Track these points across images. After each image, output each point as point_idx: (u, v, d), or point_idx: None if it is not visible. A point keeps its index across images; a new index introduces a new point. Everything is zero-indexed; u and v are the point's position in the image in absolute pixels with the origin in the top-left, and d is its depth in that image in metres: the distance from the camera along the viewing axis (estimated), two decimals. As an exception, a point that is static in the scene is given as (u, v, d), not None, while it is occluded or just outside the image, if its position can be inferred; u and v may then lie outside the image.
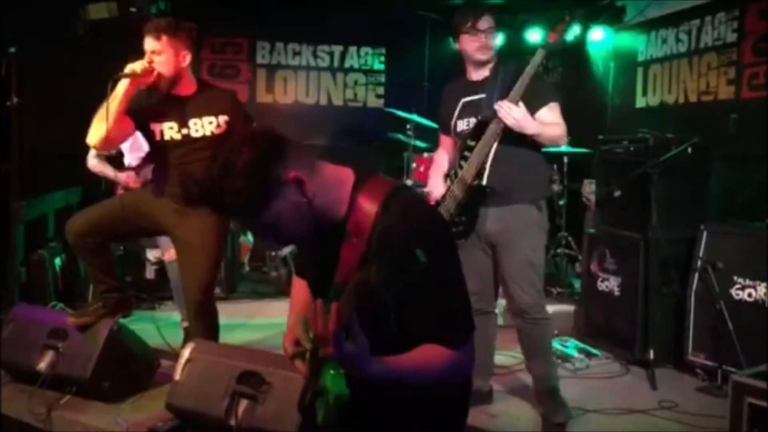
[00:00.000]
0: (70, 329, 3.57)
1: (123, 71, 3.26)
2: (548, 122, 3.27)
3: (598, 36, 7.03)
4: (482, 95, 3.35)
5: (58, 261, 5.20)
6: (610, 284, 4.61)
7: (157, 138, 3.45)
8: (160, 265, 5.45)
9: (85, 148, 4.78)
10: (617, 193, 4.62)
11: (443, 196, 3.41)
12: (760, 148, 4.86)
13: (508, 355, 4.48)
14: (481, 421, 3.48)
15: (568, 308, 5.30)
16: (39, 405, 3.35)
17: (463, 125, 3.43)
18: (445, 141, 3.64)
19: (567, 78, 7.49)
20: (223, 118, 3.44)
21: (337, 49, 8.01)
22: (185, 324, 4.23)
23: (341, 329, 1.45)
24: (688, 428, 3.49)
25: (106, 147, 3.57)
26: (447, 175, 3.49)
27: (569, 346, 4.51)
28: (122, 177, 4.78)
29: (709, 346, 4.09)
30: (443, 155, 3.64)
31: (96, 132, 3.32)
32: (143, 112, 3.40)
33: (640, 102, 6.42)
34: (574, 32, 7.03)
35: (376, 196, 1.67)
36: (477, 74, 3.43)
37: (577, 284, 5.23)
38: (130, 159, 4.77)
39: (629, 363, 4.35)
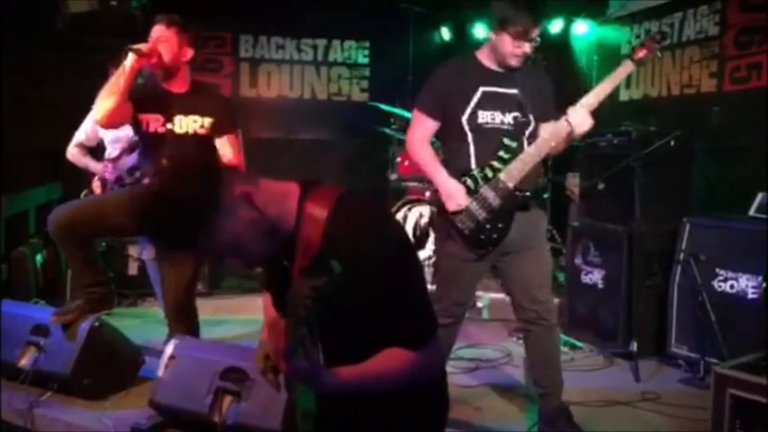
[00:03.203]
0: (53, 326, 3.54)
1: (131, 47, 3.30)
2: None
3: (581, 29, 7.05)
4: (511, 90, 3.09)
5: (39, 257, 5.15)
6: (594, 277, 4.62)
7: (143, 129, 3.46)
8: (143, 261, 5.41)
9: (66, 143, 4.75)
10: (601, 186, 4.63)
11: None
12: (742, 141, 4.89)
13: (493, 349, 4.51)
14: (466, 415, 3.49)
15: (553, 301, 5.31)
16: (20, 402, 3.31)
17: (485, 117, 3.08)
18: (433, 127, 3.19)
19: (551, 71, 7.48)
20: (208, 120, 3.47)
21: (321, 42, 7.97)
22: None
23: (294, 345, 1.44)
24: (671, 420, 3.51)
25: (110, 124, 3.53)
26: (465, 173, 3.10)
27: (554, 339, 4.53)
28: (99, 168, 4.73)
29: (691, 338, 4.12)
30: (429, 144, 3.22)
31: (103, 106, 3.32)
32: (138, 100, 3.42)
33: (624, 95, 6.44)
34: (559, 27, 7.07)
35: (325, 202, 1.63)
36: (498, 66, 3.13)
37: (561, 277, 5.24)
38: (111, 149, 4.73)
39: (613, 355, 4.37)
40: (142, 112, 3.44)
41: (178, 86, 3.50)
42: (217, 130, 3.49)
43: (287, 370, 1.47)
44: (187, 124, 3.44)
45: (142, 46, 3.33)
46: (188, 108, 3.46)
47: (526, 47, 3.05)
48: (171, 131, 3.43)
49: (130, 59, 3.29)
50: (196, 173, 1.60)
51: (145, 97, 3.44)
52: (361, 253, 1.50)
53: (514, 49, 3.04)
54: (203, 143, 3.48)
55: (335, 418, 1.65)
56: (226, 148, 3.51)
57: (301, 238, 1.63)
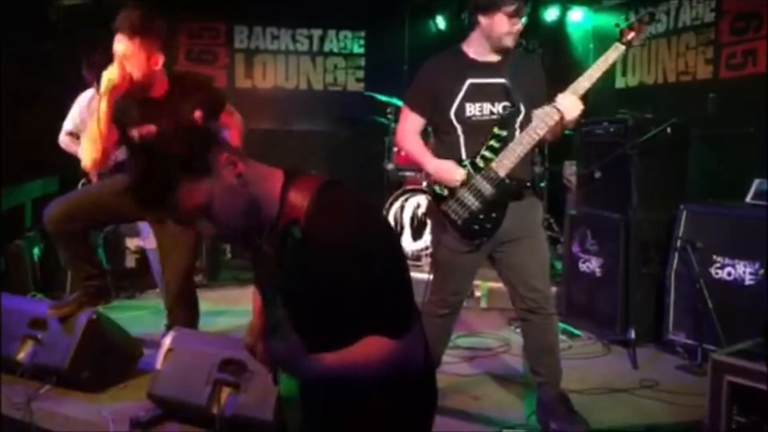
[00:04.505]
0: (51, 319, 3.54)
1: (102, 85, 3.13)
2: None
3: (577, 16, 7.03)
4: (499, 80, 3.06)
5: (36, 251, 5.14)
6: (592, 265, 4.63)
7: None
8: (140, 253, 5.40)
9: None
10: (598, 174, 4.63)
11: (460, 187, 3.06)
12: (738, 128, 4.89)
13: (492, 338, 4.51)
14: (464, 403, 3.50)
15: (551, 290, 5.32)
16: (19, 395, 3.31)
17: (473, 110, 3.07)
18: (420, 122, 3.22)
19: (547, 59, 7.47)
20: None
21: (316, 32, 7.94)
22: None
23: (272, 328, 1.44)
24: (669, 406, 3.52)
25: (102, 167, 3.46)
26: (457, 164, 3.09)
27: (551, 327, 4.54)
28: None
29: (689, 325, 4.13)
30: (416, 136, 3.24)
31: (90, 154, 3.22)
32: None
33: (620, 82, 6.43)
34: (553, 15, 7.05)
35: (306, 191, 1.64)
36: (486, 56, 3.10)
37: (559, 265, 5.25)
38: None
39: (610, 343, 4.38)
40: None
41: (158, 92, 3.34)
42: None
43: (267, 354, 1.48)
44: None
45: (113, 77, 3.11)
46: None
47: (520, 25, 3.03)
48: None
49: (104, 101, 3.12)
50: (189, 128, 1.62)
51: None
52: (339, 241, 1.52)
53: (511, 28, 3.02)
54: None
55: (319, 408, 1.65)
56: None
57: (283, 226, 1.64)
